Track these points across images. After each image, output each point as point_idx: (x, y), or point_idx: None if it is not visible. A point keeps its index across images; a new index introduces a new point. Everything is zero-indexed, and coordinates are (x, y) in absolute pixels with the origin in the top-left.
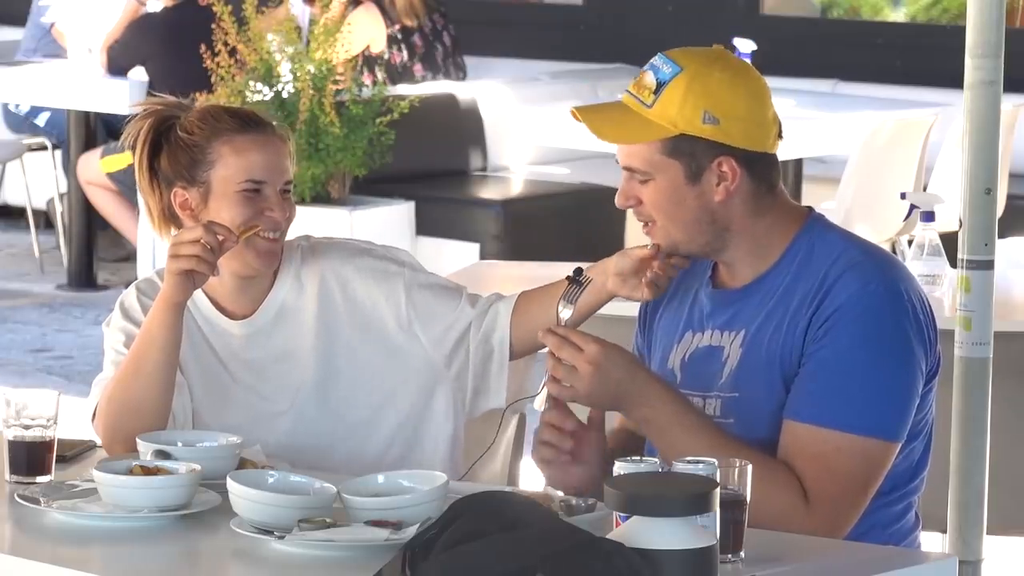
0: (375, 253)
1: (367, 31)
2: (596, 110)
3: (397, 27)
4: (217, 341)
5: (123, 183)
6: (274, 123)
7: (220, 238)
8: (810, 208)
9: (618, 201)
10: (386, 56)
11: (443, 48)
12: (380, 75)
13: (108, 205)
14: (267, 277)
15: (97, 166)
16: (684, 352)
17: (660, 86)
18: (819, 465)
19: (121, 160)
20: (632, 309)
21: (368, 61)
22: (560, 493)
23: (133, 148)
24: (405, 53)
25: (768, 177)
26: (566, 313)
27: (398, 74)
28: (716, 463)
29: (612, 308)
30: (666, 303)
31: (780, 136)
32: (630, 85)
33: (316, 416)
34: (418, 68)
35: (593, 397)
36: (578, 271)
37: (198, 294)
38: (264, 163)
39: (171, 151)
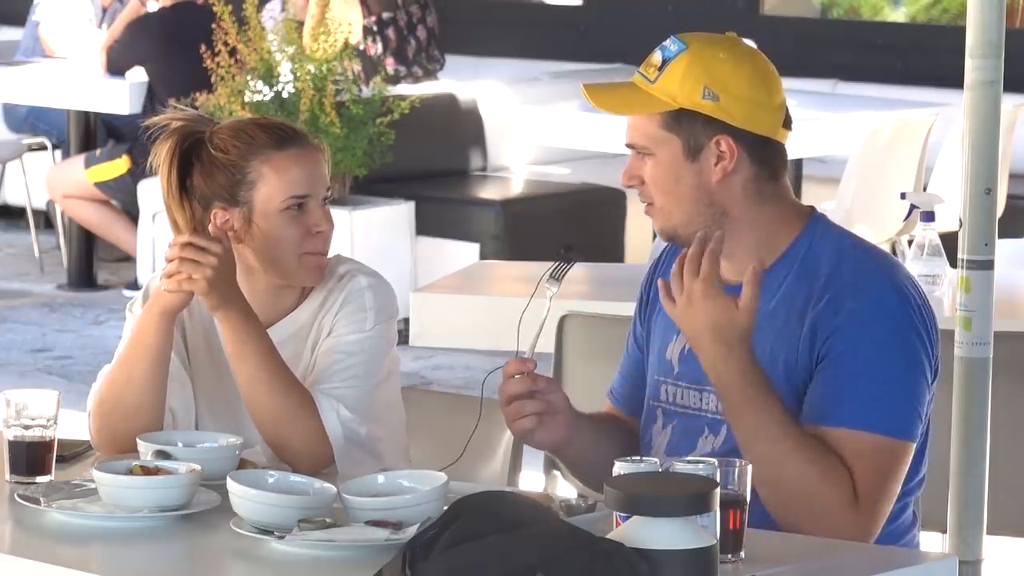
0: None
1: (344, 18)
2: (603, 86)
3: (373, 18)
4: None
5: (116, 191)
6: (308, 134)
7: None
8: (812, 208)
9: (622, 179)
10: (361, 47)
11: (416, 42)
12: (356, 66)
13: (93, 216)
14: (298, 292)
15: (80, 177)
16: (683, 344)
17: (665, 62)
18: (864, 465)
19: (111, 169)
20: (632, 309)
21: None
22: (560, 493)
23: (160, 167)
24: (380, 46)
25: (770, 163)
26: (553, 289)
27: (371, 66)
28: (716, 463)
29: (612, 308)
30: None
31: (788, 127)
32: (642, 64)
33: None
34: (390, 62)
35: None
36: (568, 247)
37: None
38: (305, 176)
39: (205, 169)
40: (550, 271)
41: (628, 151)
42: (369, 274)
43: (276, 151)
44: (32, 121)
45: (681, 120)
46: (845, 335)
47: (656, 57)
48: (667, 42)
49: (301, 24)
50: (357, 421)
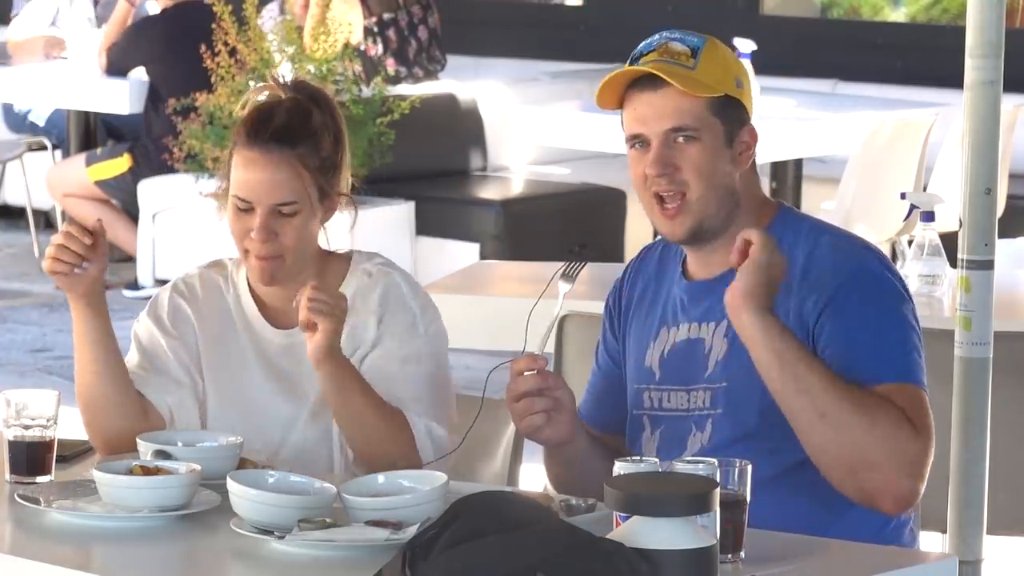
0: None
1: (344, 19)
2: (653, 67)
3: (374, 19)
4: (253, 345)
5: (116, 190)
6: (285, 140)
7: (87, 243)
8: (780, 201)
9: (655, 169)
10: (362, 47)
11: (416, 43)
12: (356, 67)
13: (94, 216)
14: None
15: (81, 176)
16: (662, 349)
17: (695, 51)
18: (907, 400)
19: (112, 167)
20: None
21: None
22: (560, 494)
23: None
24: (380, 46)
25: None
26: (565, 288)
27: (372, 66)
28: (716, 463)
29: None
30: (636, 306)
31: None
32: (654, 55)
33: (318, 435)
34: (391, 63)
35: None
36: (582, 244)
37: (244, 296)
38: (251, 182)
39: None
40: (563, 269)
41: (626, 151)
42: (398, 271)
43: (243, 146)
44: (32, 121)
45: (725, 106)
46: (836, 309)
47: (679, 47)
48: (676, 34)
49: (300, 29)
50: (445, 436)
